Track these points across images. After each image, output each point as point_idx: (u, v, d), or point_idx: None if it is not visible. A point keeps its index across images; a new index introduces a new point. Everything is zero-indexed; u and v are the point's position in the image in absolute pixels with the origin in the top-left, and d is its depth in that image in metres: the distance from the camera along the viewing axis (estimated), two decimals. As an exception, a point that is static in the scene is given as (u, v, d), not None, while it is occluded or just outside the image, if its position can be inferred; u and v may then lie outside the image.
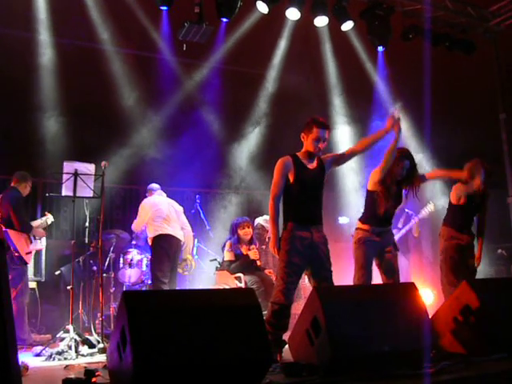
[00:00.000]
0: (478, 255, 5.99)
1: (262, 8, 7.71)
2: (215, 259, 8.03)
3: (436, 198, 8.79)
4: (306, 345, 3.88)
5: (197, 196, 8.45)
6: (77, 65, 8.70)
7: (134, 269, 7.91)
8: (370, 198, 5.42)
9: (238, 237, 7.26)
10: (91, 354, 5.60)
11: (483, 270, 9.88)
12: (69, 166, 6.12)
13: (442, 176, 6.61)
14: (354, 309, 3.80)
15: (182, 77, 8.98)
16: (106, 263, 8.00)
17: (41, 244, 7.11)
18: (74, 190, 6.11)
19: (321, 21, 8.18)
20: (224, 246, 7.41)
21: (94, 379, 3.76)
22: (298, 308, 6.06)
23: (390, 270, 5.24)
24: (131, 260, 7.92)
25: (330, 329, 3.63)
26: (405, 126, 10.02)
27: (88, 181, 6.18)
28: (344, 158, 5.13)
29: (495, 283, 4.55)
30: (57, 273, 7.93)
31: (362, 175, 9.86)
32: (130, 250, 8.06)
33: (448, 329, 4.44)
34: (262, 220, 8.20)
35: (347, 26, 8.28)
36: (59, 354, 5.43)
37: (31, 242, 6.79)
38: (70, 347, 5.52)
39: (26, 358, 5.36)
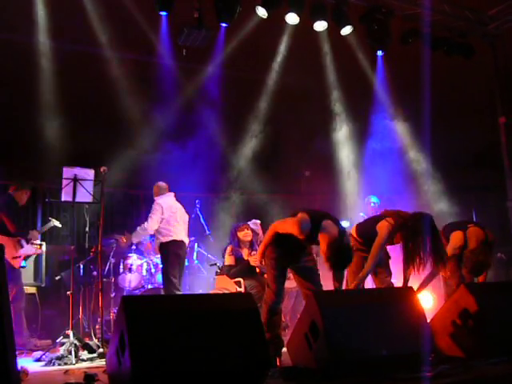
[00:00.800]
0: None
1: (262, 13, 7.73)
2: (215, 264, 8.04)
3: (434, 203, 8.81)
4: (304, 349, 3.90)
5: (197, 201, 8.46)
6: (77, 70, 8.71)
7: (134, 274, 7.93)
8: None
9: (238, 240, 7.26)
10: (91, 359, 5.61)
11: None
12: (68, 172, 6.14)
13: None
14: (352, 313, 3.81)
15: (181, 81, 8.99)
16: (107, 268, 8.01)
17: (35, 248, 7.09)
18: (74, 196, 6.13)
19: (320, 25, 8.20)
20: (225, 250, 7.41)
21: (93, 384, 3.77)
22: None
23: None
24: (131, 265, 7.94)
25: (328, 333, 3.64)
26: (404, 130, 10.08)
27: (87, 186, 6.20)
28: None
29: (493, 287, 4.56)
30: (57, 278, 7.93)
31: (361, 178, 9.89)
32: (130, 254, 8.08)
33: (446, 332, 4.45)
34: (252, 224, 8.15)
35: (346, 30, 8.31)
36: (59, 358, 5.44)
37: (22, 247, 6.79)
38: (69, 352, 5.51)
39: (26, 363, 5.38)
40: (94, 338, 6.38)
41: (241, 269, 7.07)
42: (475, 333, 4.25)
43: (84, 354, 5.73)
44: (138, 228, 7.22)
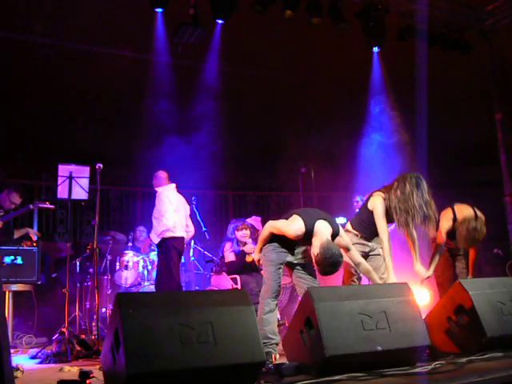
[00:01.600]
0: None
1: (258, 9, 7.70)
2: (211, 260, 8.05)
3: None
4: (299, 345, 3.90)
5: (193, 198, 8.46)
6: (71, 65, 8.70)
7: (131, 271, 7.94)
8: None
9: (236, 239, 7.30)
10: (87, 356, 5.61)
11: (480, 270, 9.91)
12: (64, 169, 6.13)
13: None
14: (347, 309, 3.81)
15: (177, 78, 8.97)
16: (103, 265, 8.01)
17: None
18: (70, 193, 6.12)
19: (316, 22, 8.17)
20: (223, 248, 7.44)
21: (88, 381, 3.77)
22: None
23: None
24: (128, 262, 7.95)
25: (322, 329, 3.64)
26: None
27: (83, 183, 6.20)
28: None
29: (489, 283, 4.55)
30: (53, 275, 7.93)
31: (359, 173, 9.89)
32: (127, 252, 8.08)
33: (442, 328, 4.46)
34: (252, 220, 8.19)
35: (342, 27, 8.29)
36: (55, 356, 5.44)
37: None
38: (65, 349, 5.52)
39: (21, 360, 5.39)
40: (90, 335, 6.38)
41: (241, 265, 7.11)
42: (470, 329, 4.26)
43: (80, 351, 5.72)
44: (152, 232, 7.10)
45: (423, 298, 7.81)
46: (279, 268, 4.92)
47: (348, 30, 8.16)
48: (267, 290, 4.89)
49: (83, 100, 9.21)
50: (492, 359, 4.01)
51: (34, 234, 7.31)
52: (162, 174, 7.42)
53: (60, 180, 6.13)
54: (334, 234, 4.74)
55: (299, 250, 5.03)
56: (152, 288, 7.75)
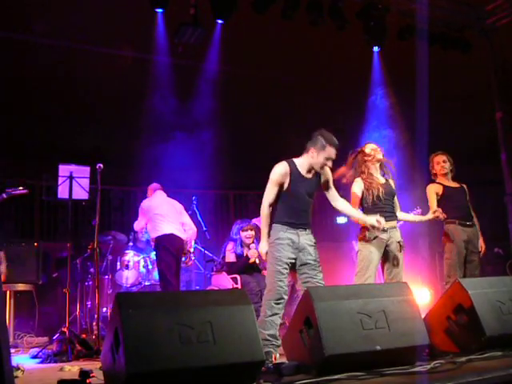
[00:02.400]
0: None
1: (258, 9, 7.71)
2: (212, 260, 8.06)
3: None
4: (299, 345, 3.91)
5: (193, 197, 8.47)
6: (71, 65, 8.71)
7: (132, 270, 7.95)
8: None
9: (241, 239, 7.31)
10: (88, 356, 5.62)
11: (480, 269, 9.90)
12: (64, 169, 6.15)
13: None
14: (346, 308, 3.82)
15: (177, 78, 8.97)
16: (104, 265, 8.03)
17: None
18: (70, 193, 6.14)
19: (316, 22, 8.17)
20: (225, 247, 7.45)
21: (88, 380, 3.78)
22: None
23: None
24: (128, 262, 7.96)
25: (322, 328, 3.65)
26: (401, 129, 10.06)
27: (84, 183, 6.21)
28: (327, 191, 5.21)
29: (488, 282, 4.56)
30: (54, 275, 7.96)
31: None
32: (127, 251, 8.10)
33: (441, 328, 4.47)
34: (258, 221, 8.21)
35: (343, 26, 8.30)
36: (56, 355, 5.46)
37: None
38: (66, 349, 5.53)
39: (22, 360, 5.40)
40: (91, 335, 6.40)
41: (243, 265, 7.12)
42: (470, 328, 4.26)
43: (81, 351, 5.73)
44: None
45: (423, 296, 7.85)
46: (285, 268, 4.75)
47: (348, 30, 8.16)
48: (269, 291, 4.74)
49: (83, 100, 9.21)
50: (491, 358, 4.01)
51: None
52: (150, 187, 7.78)
53: (60, 180, 6.14)
54: None
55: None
56: (152, 288, 7.78)
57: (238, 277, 7.04)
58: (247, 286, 6.86)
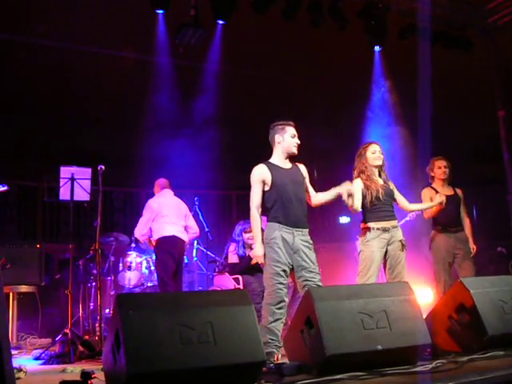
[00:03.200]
0: None
1: (258, 9, 7.70)
2: (214, 261, 8.06)
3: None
4: (300, 345, 3.90)
5: (196, 198, 8.47)
6: (72, 66, 8.71)
7: (134, 271, 7.96)
8: None
9: (243, 240, 7.33)
10: (90, 357, 5.63)
11: (483, 268, 9.89)
12: (66, 171, 6.16)
13: None
14: (347, 308, 3.81)
15: (179, 79, 8.98)
16: (106, 266, 8.04)
17: None
18: (71, 195, 6.15)
19: (317, 22, 8.17)
20: (227, 248, 7.46)
21: (89, 381, 3.78)
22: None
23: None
24: (131, 263, 7.97)
25: (323, 328, 3.64)
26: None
27: (85, 185, 6.22)
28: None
29: (490, 281, 4.54)
30: (57, 276, 7.97)
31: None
32: (130, 252, 8.11)
33: (443, 327, 4.45)
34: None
35: (343, 26, 8.29)
36: (58, 357, 5.47)
37: None
38: (69, 350, 5.54)
39: (24, 361, 5.41)
40: (93, 336, 6.40)
41: (245, 266, 7.12)
42: (472, 327, 4.25)
43: (83, 352, 5.74)
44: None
45: (426, 296, 7.83)
46: (283, 269, 4.72)
47: (349, 30, 8.16)
48: (268, 295, 4.71)
49: (85, 101, 9.22)
50: (493, 358, 3.99)
51: None
52: (157, 183, 7.62)
53: (62, 182, 6.16)
54: None
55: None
56: (154, 289, 7.78)
57: (240, 277, 7.05)
58: (249, 286, 6.86)
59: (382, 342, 3.75)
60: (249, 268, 7.08)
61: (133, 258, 8.03)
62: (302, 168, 5.21)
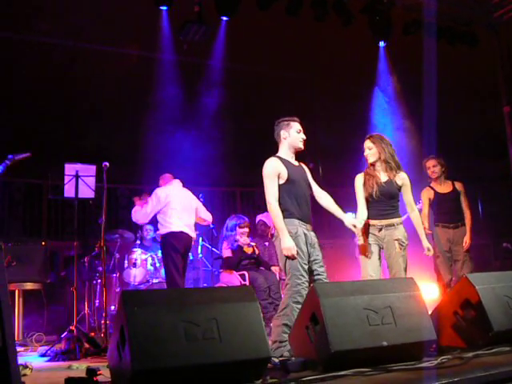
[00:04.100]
0: None
1: (262, 6, 7.69)
2: (220, 257, 8.06)
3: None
4: (305, 341, 3.89)
5: (200, 195, 8.46)
6: (77, 64, 8.72)
7: (139, 268, 7.96)
8: None
9: (236, 235, 7.42)
10: (96, 354, 5.64)
11: (488, 264, 9.88)
12: (70, 168, 6.16)
13: None
14: (352, 304, 3.80)
15: (183, 75, 8.98)
16: (111, 263, 8.05)
17: None
18: (76, 192, 6.15)
19: (321, 18, 8.15)
20: (221, 248, 7.56)
21: (95, 378, 3.78)
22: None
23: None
24: (136, 260, 7.97)
25: (328, 324, 3.63)
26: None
27: (90, 182, 6.22)
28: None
29: (495, 277, 4.53)
30: (62, 274, 7.99)
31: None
32: (135, 249, 8.11)
33: (448, 323, 4.44)
34: (264, 216, 8.24)
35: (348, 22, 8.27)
36: (64, 353, 5.47)
37: None
38: (74, 347, 5.55)
39: (30, 358, 5.42)
40: (99, 333, 6.41)
41: (236, 259, 7.23)
42: (477, 323, 4.24)
43: (89, 349, 5.75)
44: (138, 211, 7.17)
45: (432, 292, 7.81)
46: (305, 263, 4.74)
47: (353, 25, 8.14)
48: (295, 294, 4.68)
49: (89, 98, 9.23)
50: (499, 354, 3.97)
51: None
52: (164, 176, 7.45)
53: (67, 179, 6.15)
54: None
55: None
56: (160, 285, 7.78)
57: (246, 274, 7.06)
58: (255, 282, 6.88)
59: (387, 338, 3.74)
60: (242, 258, 7.19)
61: (138, 254, 8.03)
62: (305, 166, 5.24)
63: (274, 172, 4.88)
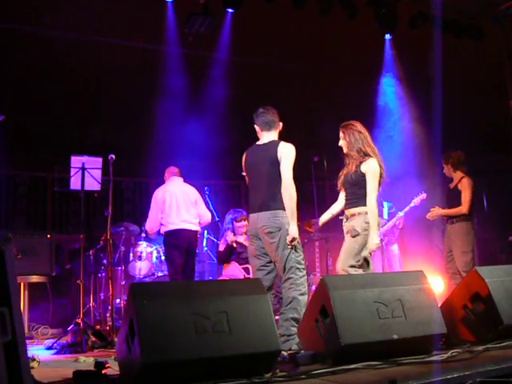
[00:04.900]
0: None
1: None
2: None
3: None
4: (314, 334, 3.88)
5: (206, 188, 8.45)
6: (82, 57, 8.69)
7: (144, 261, 7.96)
8: None
9: (232, 228, 7.44)
10: (102, 347, 5.63)
11: (494, 257, 9.86)
12: (76, 160, 6.15)
13: None
14: (362, 297, 3.79)
15: (189, 68, 8.94)
16: (117, 256, 8.04)
17: None
18: (82, 184, 6.14)
19: (327, 10, 8.11)
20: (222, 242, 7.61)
21: (104, 371, 3.77)
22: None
23: None
24: (141, 253, 7.97)
25: (338, 318, 3.62)
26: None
27: (96, 174, 6.21)
28: None
29: (505, 270, 4.50)
30: (68, 267, 7.98)
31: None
32: (140, 242, 8.11)
33: (458, 316, 4.42)
34: None
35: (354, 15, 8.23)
36: (70, 346, 5.48)
37: None
38: (81, 340, 5.55)
39: (37, 351, 5.42)
40: (104, 326, 6.41)
41: (226, 253, 7.27)
42: (487, 317, 4.22)
43: (95, 342, 5.75)
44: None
45: (437, 285, 7.81)
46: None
47: (359, 18, 8.10)
48: (303, 288, 4.76)
49: (94, 91, 9.21)
50: (509, 347, 3.96)
51: None
52: (167, 170, 7.41)
53: (73, 171, 6.14)
54: None
55: None
56: (165, 278, 7.77)
57: (250, 267, 7.04)
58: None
59: (397, 332, 3.73)
60: (231, 253, 7.23)
61: (143, 247, 8.02)
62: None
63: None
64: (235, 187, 11.69)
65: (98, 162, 6.26)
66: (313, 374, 3.38)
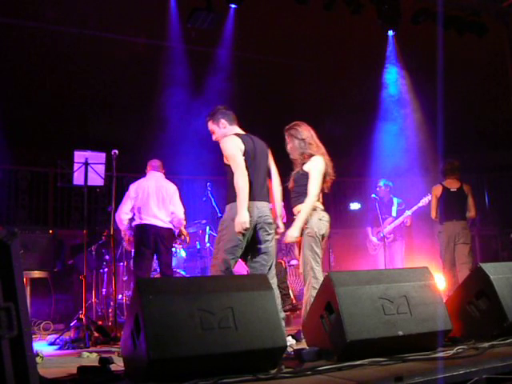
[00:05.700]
0: None
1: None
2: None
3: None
4: (320, 330, 3.87)
5: (208, 184, 8.43)
6: (85, 52, 8.68)
7: (147, 257, 7.91)
8: None
9: None
10: (105, 342, 5.63)
11: (496, 254, 9.85)
12: (80, 155, 6.12)
13: None
14: (367, 293, 3.78)
15: (191, 63, 8.92)
16: (119, 252, 8.02)
17: None
18: (85, 180, 6.11)
19: (330, 6, 8.09)
20: None
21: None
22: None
23: None
24: (143, 249, 7.92)
25: (343, 314, 3.61)
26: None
27: (99, 170, 6.19)
28: None
29: (509, 267, 4.50)
30: (70, 262, 7.97)
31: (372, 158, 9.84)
32: (142, 238, 8.05)
33: (462, 313, 4.41)
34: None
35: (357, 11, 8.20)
36: (73, 342, 5.46)
37: None
38: (84, 336, 5.54)
39: (40, 346, 5.41)
40: (107, 322, 6.40)
41: None
42: (491, 313, 4.21)
43: (97, 338, 5.74)
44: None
45: (440, 282, 7.83)
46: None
47: (362, 14, 8.08)
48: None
49: (97, 87, 9.19)
50: (513, 344, 3.96)
51: None
52: (150, 163, 7.23)
53: (76, 166, 6.12)
54: None
55: None
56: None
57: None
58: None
59: (402, 328, 3.73)
60: None
61: (145, 243, 7.98)
62: None
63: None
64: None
65: (101, 156, 6.23)
66: (318, 370, 3.37)
